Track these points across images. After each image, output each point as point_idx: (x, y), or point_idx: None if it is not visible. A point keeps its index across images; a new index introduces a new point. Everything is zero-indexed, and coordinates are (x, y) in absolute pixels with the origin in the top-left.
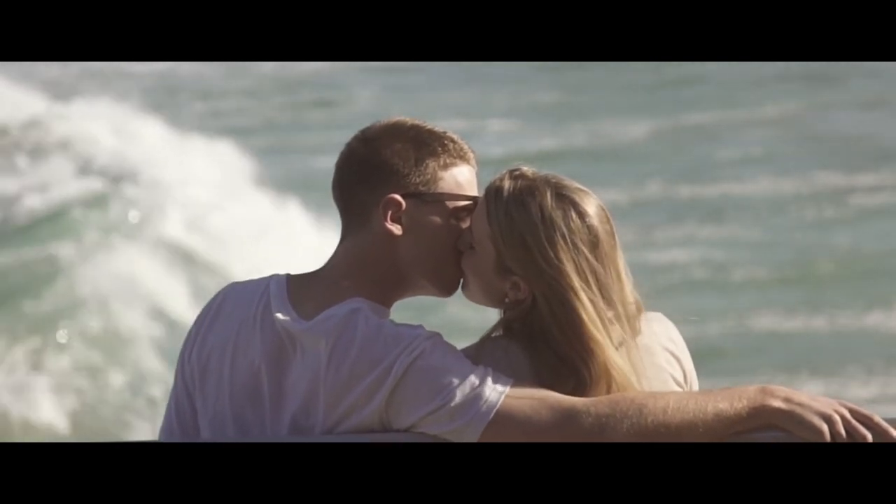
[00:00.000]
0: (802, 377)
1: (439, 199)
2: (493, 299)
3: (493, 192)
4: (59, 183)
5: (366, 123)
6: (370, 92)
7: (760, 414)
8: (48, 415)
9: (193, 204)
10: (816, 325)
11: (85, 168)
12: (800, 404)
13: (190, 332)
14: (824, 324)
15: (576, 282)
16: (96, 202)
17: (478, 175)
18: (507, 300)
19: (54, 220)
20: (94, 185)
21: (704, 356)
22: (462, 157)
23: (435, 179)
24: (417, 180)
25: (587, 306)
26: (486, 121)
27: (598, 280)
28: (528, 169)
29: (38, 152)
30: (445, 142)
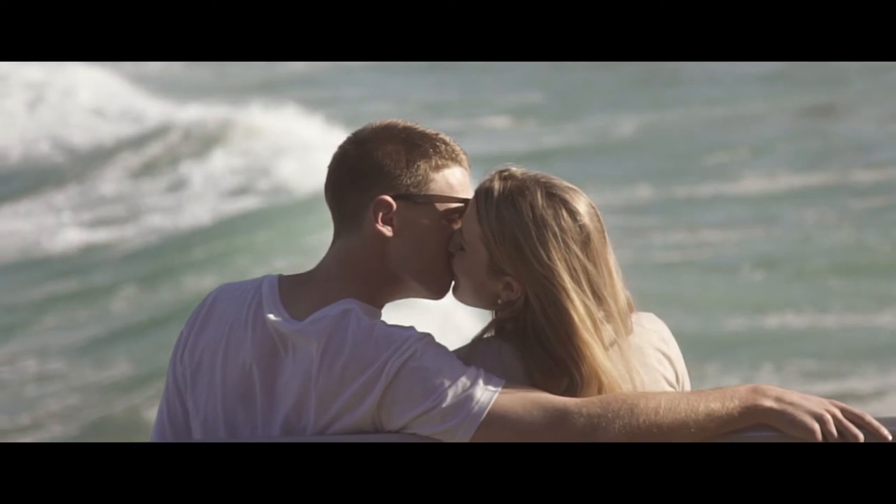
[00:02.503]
0: (814, 371)
1: (430, 201)
2: (484, 301)
3: (482, 193)
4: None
5: None
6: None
7: (752, 413)
8: None
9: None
10: (825, 322)
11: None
12: (791, 404)
13: (181, 333)
14: (833, 320)
15: (567, 282)
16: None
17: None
18: (499, 301)
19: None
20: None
21: (715, 351)
22: (454, 159)
23: (426, 181)
24: (408, 182)
25: (578, 307)
26: (478, 120)
27: (589, 279)
28: (516, 169)
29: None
30: (437, 143)
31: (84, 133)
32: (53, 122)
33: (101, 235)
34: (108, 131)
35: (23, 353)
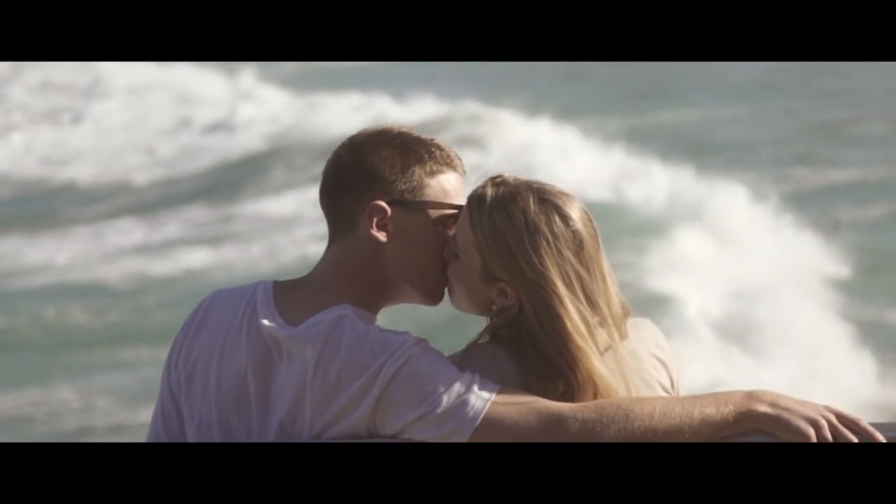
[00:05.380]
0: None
1: (425, 207)
2: (479, 307)
3: (475, 200)
4: None
5: None
6: None
7: (747, 418)
8: None
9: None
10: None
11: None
12: (786, 409)
13: (176, 338)
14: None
15: (560, 288)
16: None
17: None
18: (494, 307)
19: None
20: None
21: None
22: (449, 165)
23: (421, 186)
24: (403, 187)
25: (572, 314)
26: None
27: (582, 285)
28: (509, 175)
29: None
30: (432, 149)
31: (148, 151)
32: (123, 138)
33: (192, 259)
34: (170, 154)
35: (67, 387)
